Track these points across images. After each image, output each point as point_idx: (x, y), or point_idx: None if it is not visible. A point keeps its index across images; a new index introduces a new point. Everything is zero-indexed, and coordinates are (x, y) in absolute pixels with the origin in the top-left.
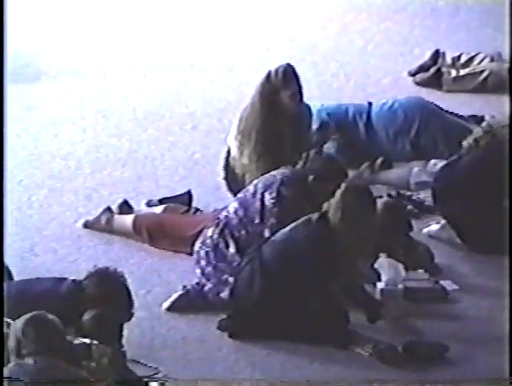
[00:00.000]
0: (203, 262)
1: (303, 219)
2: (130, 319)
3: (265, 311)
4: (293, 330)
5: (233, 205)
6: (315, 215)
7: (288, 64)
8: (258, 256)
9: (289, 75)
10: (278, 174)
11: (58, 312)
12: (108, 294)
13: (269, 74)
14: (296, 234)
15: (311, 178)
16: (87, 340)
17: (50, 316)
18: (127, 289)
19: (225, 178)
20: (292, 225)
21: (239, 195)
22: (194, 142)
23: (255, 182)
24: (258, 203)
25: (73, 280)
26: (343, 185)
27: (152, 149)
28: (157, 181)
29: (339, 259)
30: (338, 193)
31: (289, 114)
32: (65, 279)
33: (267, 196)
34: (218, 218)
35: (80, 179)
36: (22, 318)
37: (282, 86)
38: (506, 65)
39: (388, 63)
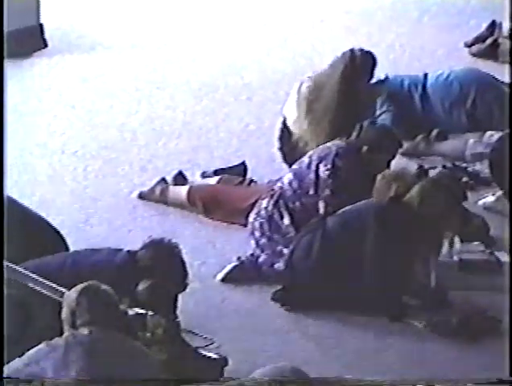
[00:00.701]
0: (257, 233)
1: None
2: (184, 290)
3: (320, 282)
4: (347, 302)
5: (288, 176)
6: (389, 194)
7: (371, 53)
8: (322, 226)
9: (370, 64)
10: (333, 145)
11: (113, 282)
12: (163, 265)
13: (354, 57)
14: (366, 210)
15: (365, 148)
16: (142, 311)
17: (103, 286)
18: (182, 259)
19: (280, 149)
20: (363, 201)
21: (294, 167)
22: (249, 113)
23: (310, 153)
24: (312, 175)
25: (128, 251)
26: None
27: (207, 121)
28: (212, 152)
29: (409, 239)
30: (421, 184)
31: (363, 96)
32: (120, 250)
33: (322, 168)
34: (273, 189)
35: (135, 150)
36: (76, 289)
37: (363, 73)
38: None
39: (444, 34)
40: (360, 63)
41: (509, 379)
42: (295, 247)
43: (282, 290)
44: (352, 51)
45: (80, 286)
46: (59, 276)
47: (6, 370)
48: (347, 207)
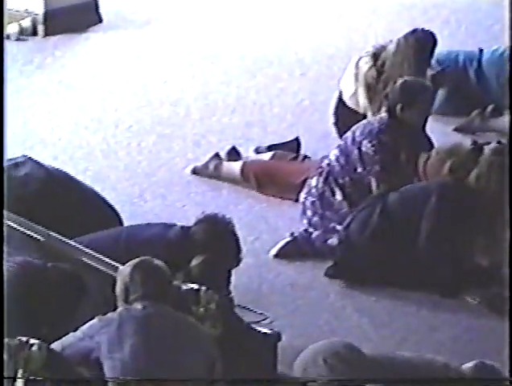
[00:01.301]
0: (309, 212)
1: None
2: (237, 265)
3: (374, 257)
4: (401, 278)
5: (334, 153)
6: (443, 171)
7: (433, 34)
8: (382, 201)
9: (432, 45)
10: (375, 120)
11: (166, 258)
12: (216, 240)
13: (418, 38)
14: (429, 188)
15: (398, 107)
16: (195, 286)
17: (157, 261)
18: (235, 235)
19: (335, 124)
20: (427, 181)
21: (339, 142)
22: (303, 89)
23: (354, 128)
24: (356, 151)
25: (182, 226)
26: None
27: (261, 96)
28: (265, 127)
29: (469, 218)
30: (484, 162)
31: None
32: (174, 225)
33: (366, 144)
34: (321, 167)
35: (189, 125)
36: (130, 263)
37: (427, 54)
38: None
39: (500, 10)
40: (424, 44)
41: (510, 379)
42: (352, 220)
43: (335, 266)
44: (415, 31)
45: (134, 261)
46: (113, 250)
47: (61, 344)
48: (409, 185)
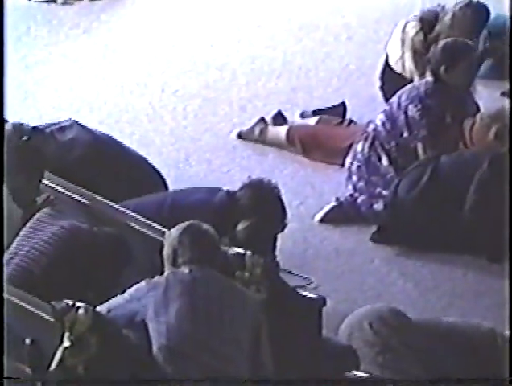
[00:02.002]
0: (355, 178)
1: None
2: (282, 230)
3: (421, 221)
4: (448, 242)
5: (380, 117)
6: (489, 136)
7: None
8: (433, 163)
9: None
10: (421, 85)
11: (212, 222)
12: (261, 205)
13: (474, 10)
14: (482, 155)
15: (442, 68)
16: (240, 250)
17: (205, 226)
18: (280, 199)
19: (381, 88)
20: (478, 149)
21: (385, 107)
22: (349, 53)
23: (400, 93)
24: (402, 116)
25: (227, 191)
26: None
27: (307, 60)
28: (311, 92)
29: None
30: None
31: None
32: (219, 189)
33: (412, 108)
34: (367, 131)
35: (235, 90)
36: (179, 227)
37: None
38: None
39: None
40: (480, 17)
41: (510, 379)
42: (399, 184)
43: (380, 231)
44: (470, 3)
45: (182, 225)
46: (158, 215)
47: (107, 306)
48: (462, 150)
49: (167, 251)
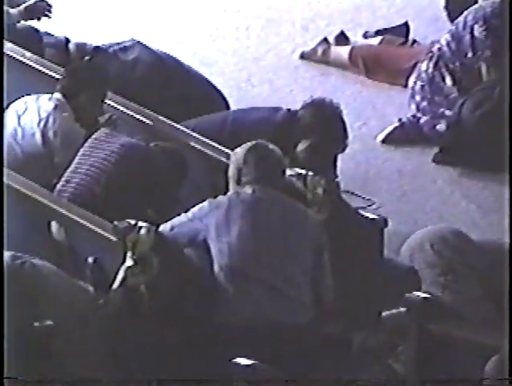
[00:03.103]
0: (418, 97)
1: None
2: (343, 150)
3: (484, 142)
4: (511, 162)
5: (445, 37)
6: None
7: None
8: (500, 88)
9: None
10: (487, 5)
11: (272, 141)
12: (323, 124)
13: None
14: None
15: None
16: (302, 171)
17: (271, 145)
18: (342, 119)
19: (446, 8)
20: None
21: (451, 27)
22: None
23: (465, 13)
24: (468, 36)
25: (288, 109)
26: None
27: None
28: (374, 12)
29: None
30: None
31: None
32: (280, 108)
33: (478, 28)
34: (431, 51)
35: (298, 10)
36: (244, 146)
37: None
38: None
39: None
40: None
41: (510, 379)
42: (463, 104)
43: (443, 151)
44: None
45: (248, 144)
46: (220, 134)
47: (170, 224)
48: None
49: (231, 170)
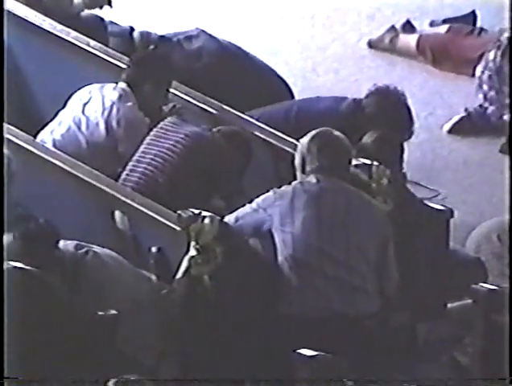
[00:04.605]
0: (485, 87)
1: None
2: (409, 138)
3: None
4: None
5: None
6: None
7: None
8: None
9: None
10: None
11: (338, 130)
12: (388, 112)
13: None
14: None
15: None
16: (367, 161)
17: (336, 133)
18: (408, 107)
19: None
20: None
21: None
22: None
23: None
24: None
25: (354, 99)
26: None
27: None
28: (441, 0)
29: None
30: None
31: None
32: (345, 98)
33: None
34: (499, 40)
35: None
36: (308, 135)
37: None
38: None
39: None
40: None
41: (510, 379)
42: None
43: (510, 142)
44: None
45: (312, 132)
46: (285, 123)
47: (235, 215)
48: None
49: (297, 159)
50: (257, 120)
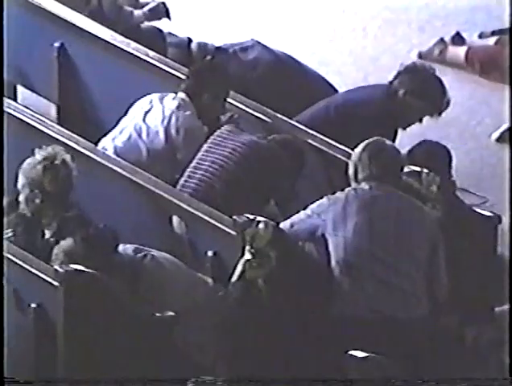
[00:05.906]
0: None
1: None
2: (446, 109)
3: None
4: None
5: None
6: None
7: None
8: None
9: None
10: None
11: (375, 116)
12: (422, 86)
13: None
14: None
15: None
16: (416, 168)
17: (387, 142)
18: (439, 79)
19: None
20: None
21: None
22: None
23: None
24: None
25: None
26: None
27: None
28: (490, 12)
29: None
30: None
31: None
32: (380, 84)
33: None
34: None
35: (414, 10)
36: (361, 144)
37: None
38: None
39: None
40: None
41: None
42: None
43: None
44: None
45: (365, 142)
46: (326, 117)
47: (290, 221)
48: None
49: (350, 167)
50: (304, 122)
